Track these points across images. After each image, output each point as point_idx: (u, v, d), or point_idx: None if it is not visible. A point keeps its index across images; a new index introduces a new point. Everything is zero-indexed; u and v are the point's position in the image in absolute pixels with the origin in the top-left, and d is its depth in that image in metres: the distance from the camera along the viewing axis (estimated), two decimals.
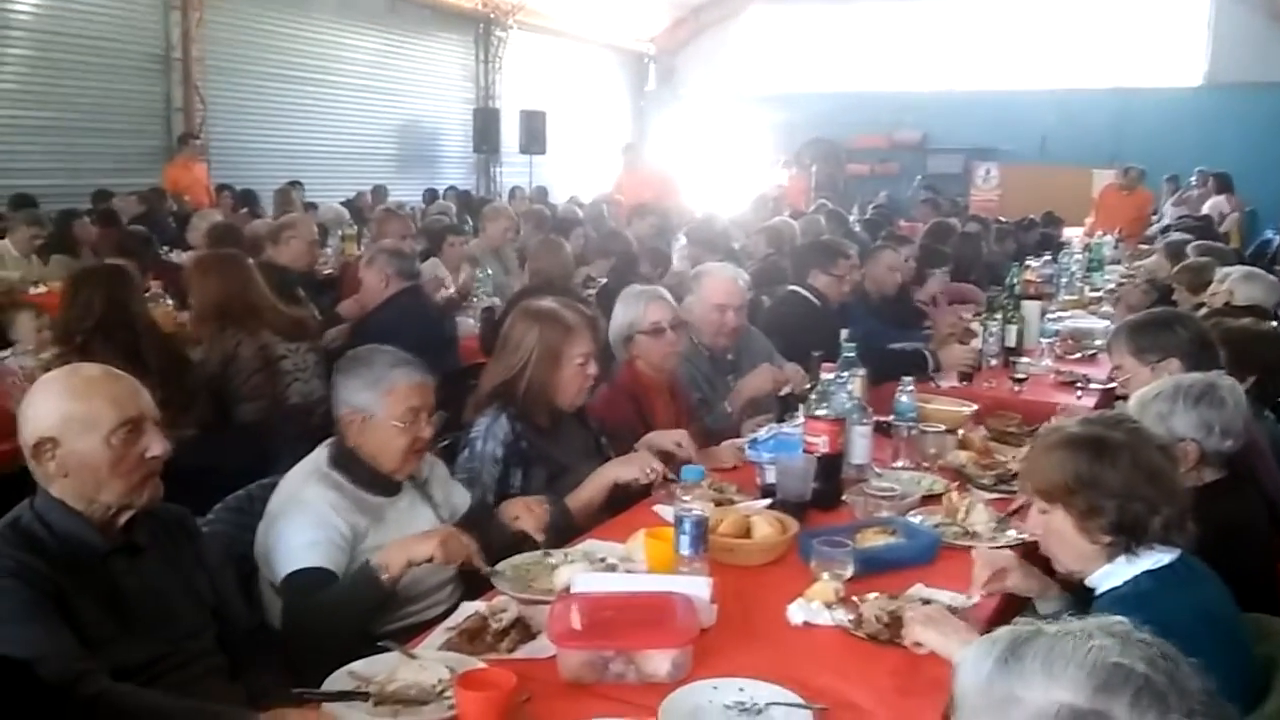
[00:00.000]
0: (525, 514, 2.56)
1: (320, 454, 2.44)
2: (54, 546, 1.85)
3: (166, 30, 11.02)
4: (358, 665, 1.88)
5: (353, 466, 2.40)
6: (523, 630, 2.03)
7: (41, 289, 5.97)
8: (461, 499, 2.66)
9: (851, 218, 10.33)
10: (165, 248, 6.88)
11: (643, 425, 3.18)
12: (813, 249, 5.12)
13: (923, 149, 17.18)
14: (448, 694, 1.78)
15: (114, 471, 1.87)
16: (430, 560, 2.15)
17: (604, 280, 6.02)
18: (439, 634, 2.05)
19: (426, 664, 1.86)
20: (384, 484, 2.42)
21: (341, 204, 9.99)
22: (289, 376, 3.74)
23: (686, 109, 18.83)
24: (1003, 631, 1.09)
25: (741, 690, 1.81)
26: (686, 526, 2.19)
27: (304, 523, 2.28)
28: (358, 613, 2.15)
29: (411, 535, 2.23)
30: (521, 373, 2.91)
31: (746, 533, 2.47)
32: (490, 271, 6.06)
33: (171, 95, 11.03)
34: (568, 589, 2.13)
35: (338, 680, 1.84)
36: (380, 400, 2.37)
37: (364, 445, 2.40)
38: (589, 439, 3.10)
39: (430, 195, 11.80)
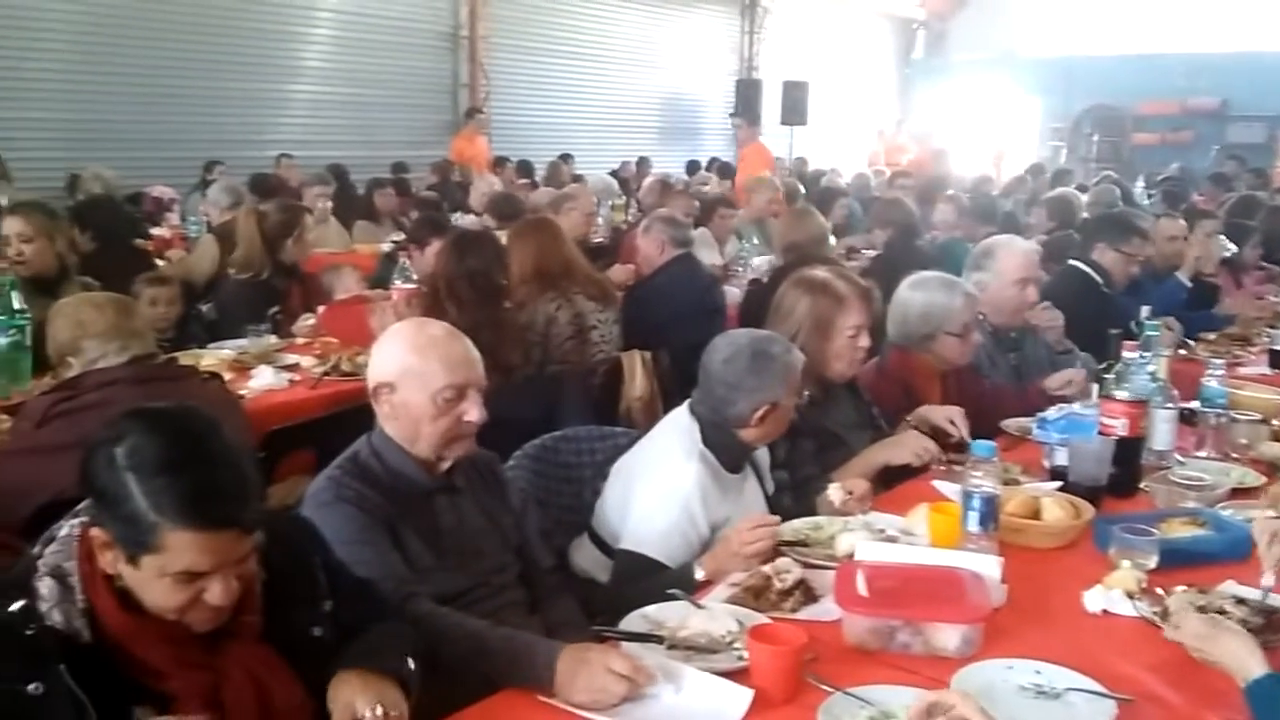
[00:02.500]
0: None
1: (691, 429, 2.46)
2: (386, 481, 2.04)
3: (455, 9, 11.73)
4: (650, 610, 1.97)
5: (721, 445, 2.44)
6: (806, 592, 2.06)
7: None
8: (769, 482, 2.70)
9: (1137, 190, 9.62)
10: (456, 213, 7.35)
11: (909, 411, 3.11)
12: (1104, 221, 4.80)
13: (1221, 116, 15.68)
14: (737, 645, 1.83)
15: (433, 426, 2.04)
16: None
17: (872, 251, 5.93)
18: (723, 588, 2.12)
19: (716, 615, 1.92)
20: (738, 462, 2.49)
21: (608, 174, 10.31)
22: (595, 347, 3.90)
23: (956, 76, 18.07)
24: None
25: (1038, 673, 1.76)
26: (976, 503, 2.14)
27: (671, 508, 2.32)
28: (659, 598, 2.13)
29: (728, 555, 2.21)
30: (792, 341, 2.92)
31: (1034, 514, 2.39)
32: (756, 242, 6.09)
33: (459, 72, 11.77)
34: (851, 556, 2.14)
35: (632, 622, 1.94)
36: (786, 387, 2.45)
37: (761, 431, 2.46)
38: (862, 410, 3.07)
39: (693, 166, 11.96)
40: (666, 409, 3.34)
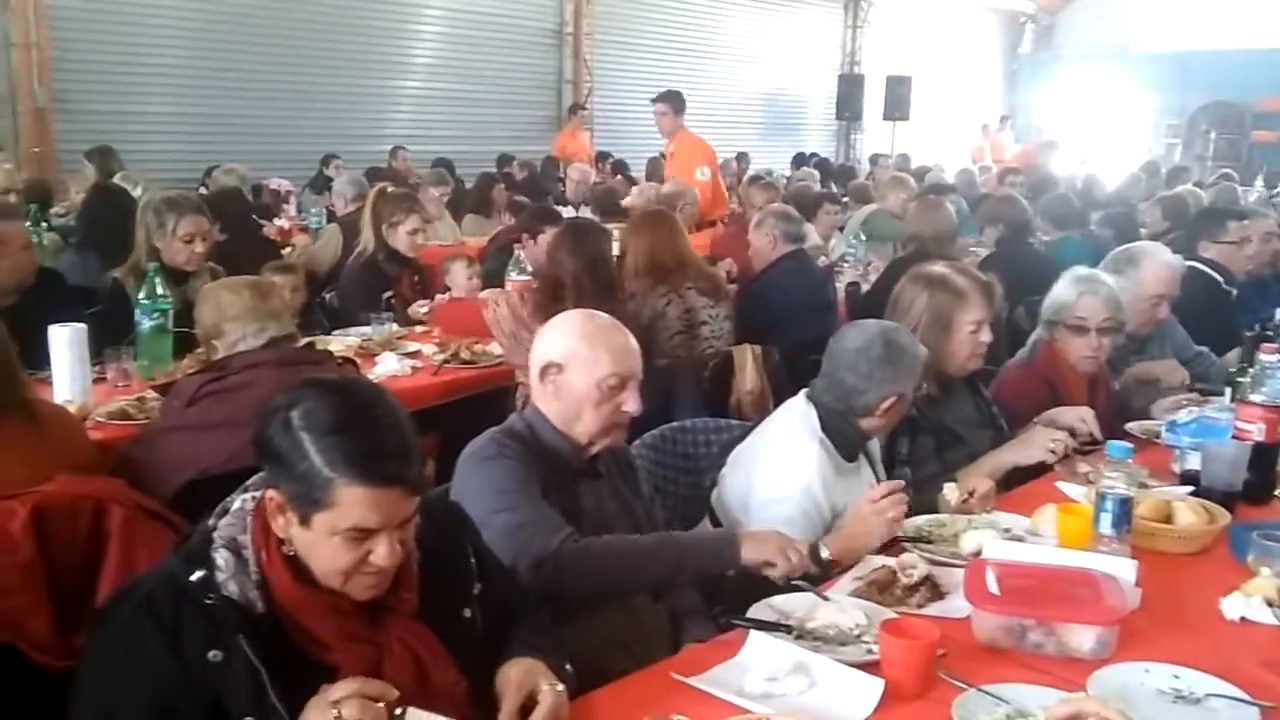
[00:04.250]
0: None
1: (809, 415, 2.49)
2: (538, 455, 2.12)
3: (561, 6, 11.87)
4: (777, 599, 1.99)
5: (838, 432, 2.46)
6: (932, 588, 2.06)
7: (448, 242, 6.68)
8: (882, 471, 2.70)
9: (1257, 188, 9.25)
10: (569, 207, 7.47)
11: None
12: (1196, 219, 4.64)
13: None
14: (865, 638, 1.84)
15: (593, 411, 2.11)
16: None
17: (982, 250, 5.82)
18: (847, 581, 2.13)
19: (844, 607, 1.94)
20: (854, 451, 2.51)
21: None
22: (705, 342, 3.92)
23: (1064, 71, 17.59)
24: None
25: (1176, 677, 1.73)
26: (1109, 505, 2.11)
27: (793, 492, 2.35)
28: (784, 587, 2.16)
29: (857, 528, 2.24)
30: None
31: (1165, 518, 2.34)
32: (863, 237, 6.03)
33: (563, 68, 11.91)
34: (977, 554, 2.13)
35: (758, 611, 1.96)
36: (913, 382, 2.49)
37: (887, 421, 2.49)
38: (981, 408, 3.04)
39: (799, 161, 11.88)
40: (777, 404, 3.36)
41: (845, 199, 7.84)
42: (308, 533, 1.45)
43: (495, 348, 3.78)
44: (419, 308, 4.47)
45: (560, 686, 1.55)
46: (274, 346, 2.64)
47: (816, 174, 9.94)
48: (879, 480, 2.60)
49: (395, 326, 4.16)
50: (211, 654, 1.40)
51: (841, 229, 6.77)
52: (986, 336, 2.88)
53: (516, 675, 1.56)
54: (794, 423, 2.51)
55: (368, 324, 4.13)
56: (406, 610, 1.56)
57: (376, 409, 1.49)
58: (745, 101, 14.28)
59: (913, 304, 2.91)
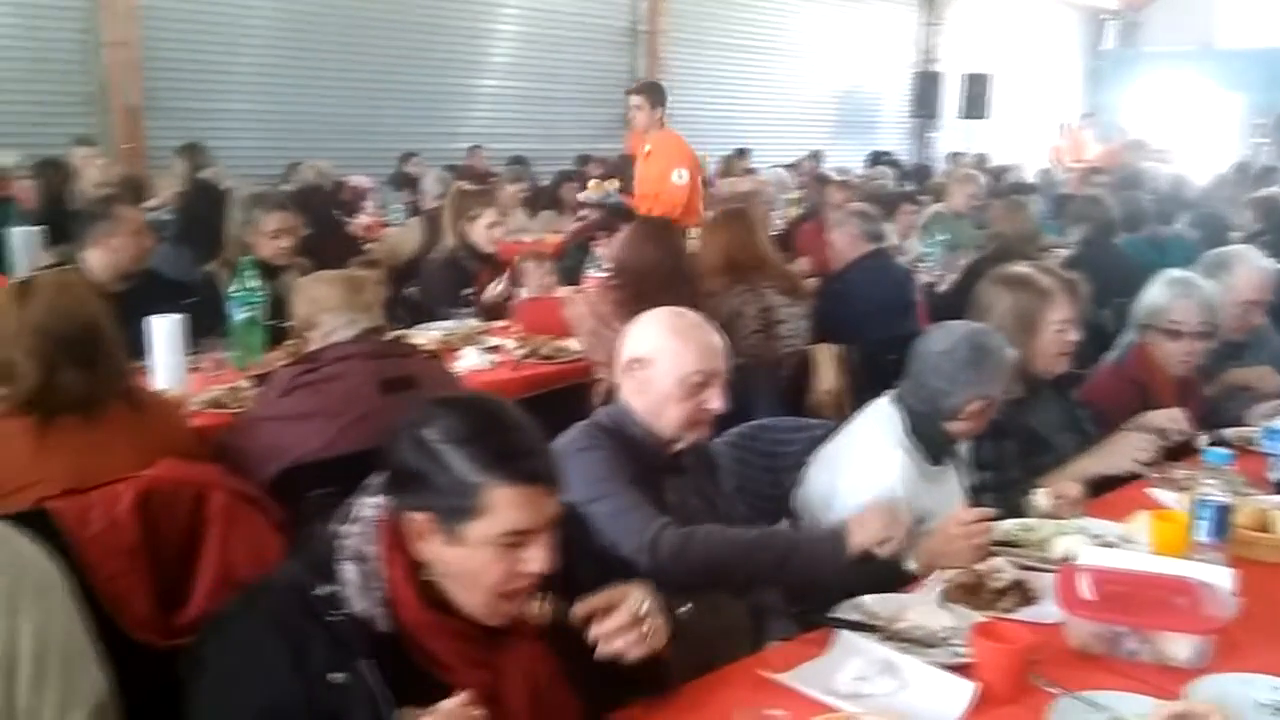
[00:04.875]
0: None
1: (895, 418, 2.47)
2: (625, 448, 2.14)
3: (635, 4, 11.90)
4: (863, 600, 1.99)
5: (925, 435, 2.45)
6: (1021, 593, 2.04)
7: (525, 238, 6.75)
8: (967, 474, 2.66)
9: None
10: None
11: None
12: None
13: None
14: (954, 641, 1.83)
15: (677, 408, 2.13)
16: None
17: (1064, 250, 5.72)
18: (933, 584, 2.11)
19: (934, 609, 1.93)
20: (941, 454, 2.49)
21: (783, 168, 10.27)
22: (783, 341, 3.91)
23: (1148, 69, 17.14)
24: None
25: (1276, 689, 1.70)
26: (1207, 512, 2.07)
27: (878, 497, 2.32)
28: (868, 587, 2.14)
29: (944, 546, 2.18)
30: None
31: (1262, 527, 2.28)
32: (948, 236, 5.95)
33: (636, 66, 11.92)
34: (1068, 559, 2.11)
35: (844, 610, 1.96)
36: (1001, 385, 2.46)
37: (974, 425, 2.47)
38: (1067, 411, 2.99)
39: (874, 160, 11.75)
40: (855, 404, 3.34)
41: (923, 198, 7.74)
42: (459, 549, 1.43)
43: (574, 344, 3.82)
44: (494, 286, 4.51)
45: (645, 606, 1.55)
46: (365, 339, 2.70)
47: (891, 172, 9.82)
48: (966, 484, 2.57)
49: (476, 322, 4.22)
50: (333, 676, 1.39)
51: (926, 229, 6.65)
52: (1074, 335, 2.83)
53: (621, 589, 1.56)
54: (879, 426, 2.50)
55: (449, 319, 4.19)
56: (528, 631, 1.53)
57: (506, 414, 1.49)
58: (818, 99, 14.17)
59: (994, 305, 2.87)
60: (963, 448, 2.64)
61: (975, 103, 14.24)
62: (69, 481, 2.12)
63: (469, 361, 3.64)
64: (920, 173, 10.79)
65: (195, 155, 7.37)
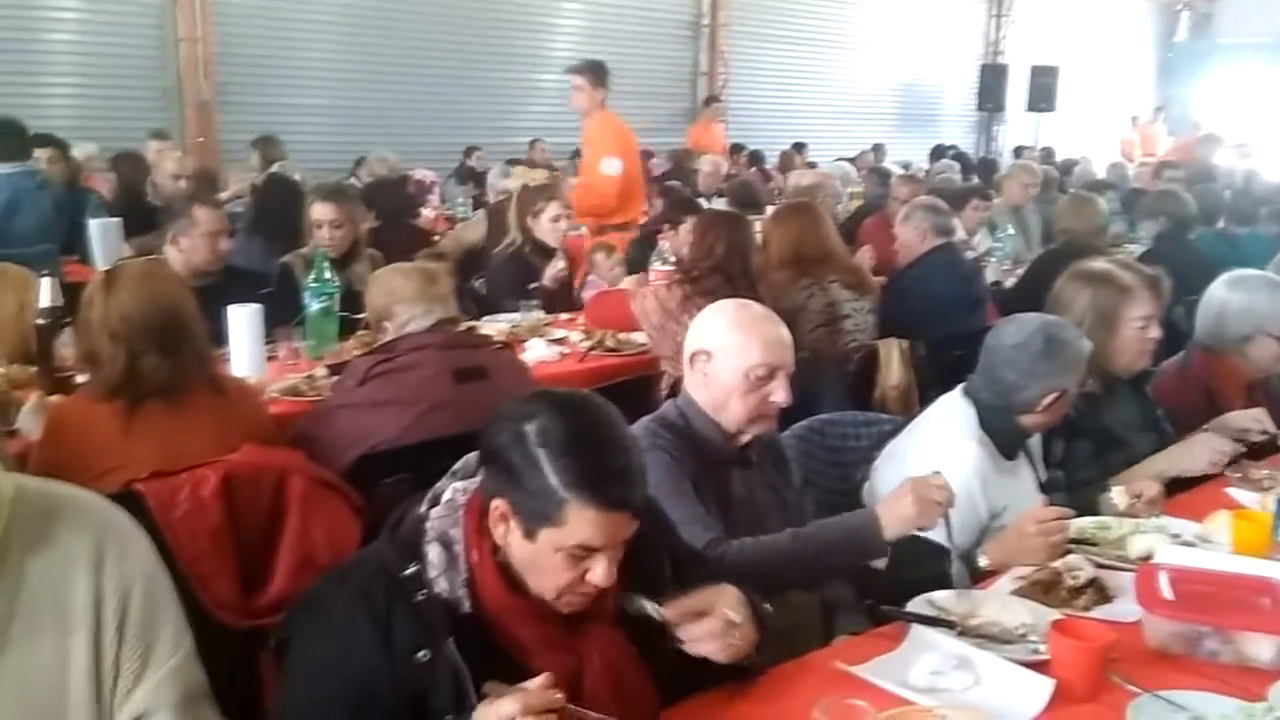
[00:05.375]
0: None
1: (968, 412, 2.46)
2: (690, 443, 2.14)
3: None
4: (936, 595, 1.97)
5: (998, 430, 2.43)
6: (1099, 591, 2.01)
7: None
8: (1041, 470, 2.63)
9: None
10: (700, 198, 7.48)
11: (1211, 417, 2.94)
12: None
13: None
14: (1031, 637, 1.82)
15: (741, 401, 2.12)
16: None
17: (1136, 246, 5.61)
18: (1007, 581, 2.09)
19: (1009, 605, 1.91)
20: (1014, 448, 2.47)
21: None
22: (848, 336, 3.89)
23: (1223, 61, 16.69)
24: None
25: None
26: None
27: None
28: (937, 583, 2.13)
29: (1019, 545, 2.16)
30: None
31: None
32: (1011, 231, 5.87)
33: (698, 60, 11.92)
34: (1146, 558, 2.08)
35: (917, 605, 1.95)
36: (1077, 375, 2.44)
37: (1050, 418, 2.45)
38: (1146, 411, 2.94)
39: (937, 154, 11.62)
40: (923, 400, 3.32)
41: (991, 194, 7.63)
42: (530, 545, 1.46)
43: (639, 336, 3.83)
44: (554, 265, 4.56)
45: (736, 618, 1.56)
46: (439, 329, 2.74)
47: (957, 166, 9.70)
48: (1040, 479, 2.55)
49: (541, 314, 4.25)
50: (419, 654, 1.43)
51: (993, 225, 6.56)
52: (1155, 333, 2.78)
53: (711, 596, 1.58)
54: (951, 420, 2.48)
55: (514, 311, 4.23)
56: (606, 616, 1.56)
57: (609, 430, 1.49)
58: (880, 92, 14.04)
59: (1074, 302, 2.83)
60: (1037, 442, 2.61)
61: (1043, 95, 13.99)
62: (155, 464, 2.18)
63: (535, 353, 3.68)
64: (986, 167, 10.63)
65: (269, 147, 7.52)
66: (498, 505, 1.48)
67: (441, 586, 1.47)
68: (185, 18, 8.76)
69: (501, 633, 1.49)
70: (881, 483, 2.52)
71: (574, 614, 1.53)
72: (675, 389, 3.06)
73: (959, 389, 2.54)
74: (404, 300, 2.79)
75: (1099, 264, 2.95)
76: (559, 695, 1.36)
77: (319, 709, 1.46)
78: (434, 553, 1.49)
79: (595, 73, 5.83)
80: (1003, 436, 2.44)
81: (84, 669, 1.30)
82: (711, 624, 1.55)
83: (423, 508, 1.55)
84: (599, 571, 1.46)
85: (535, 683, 1.37)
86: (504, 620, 1.49)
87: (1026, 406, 2.41)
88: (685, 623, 1.55)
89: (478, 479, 1.55)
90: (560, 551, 1.45)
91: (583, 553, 1.45)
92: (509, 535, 1.48)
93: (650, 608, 1.55)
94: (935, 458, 2.39)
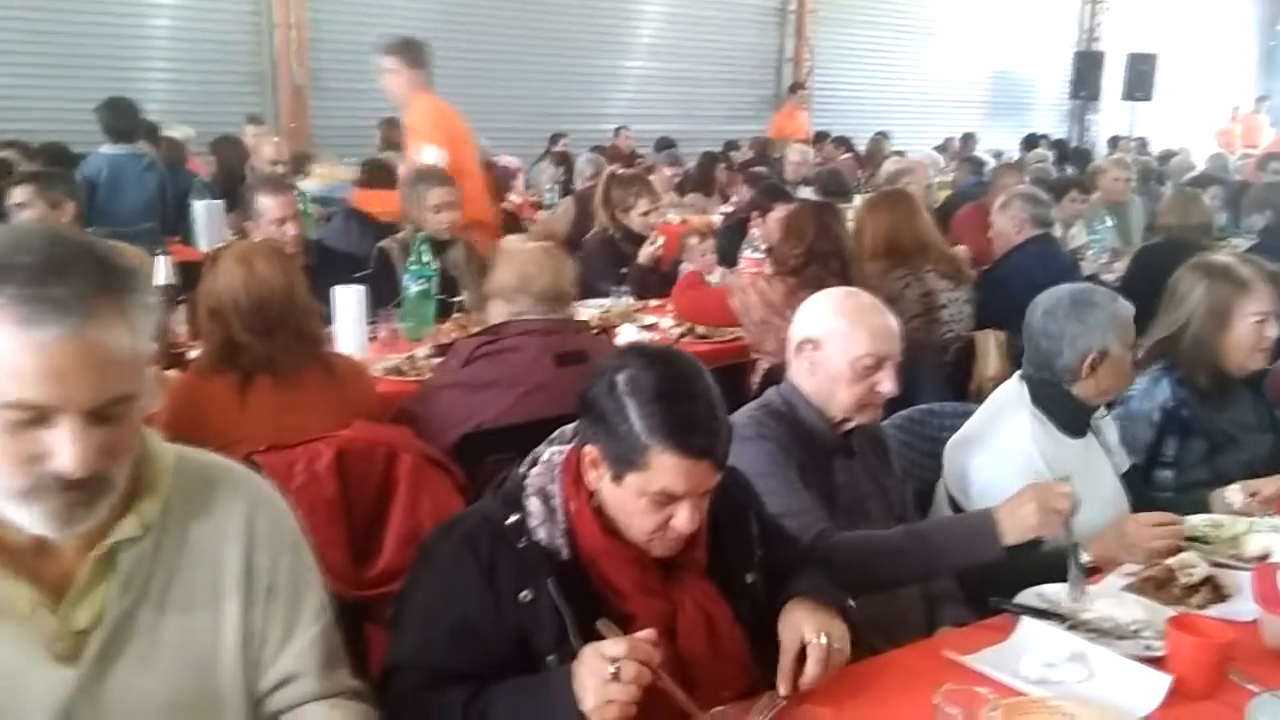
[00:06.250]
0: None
1: (1019, 390, 2.45)
2: (795, 431, 2.14)
3: None
4: (1046, 588, 1.95)
5: (1053, 404, 2.41)
6: (1214, 589, 1.97)
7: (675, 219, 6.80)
8: (1121, 458, 2.60)
9: None
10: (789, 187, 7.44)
11: None
12: None
13: None
14: (1145, 634, 1.79)
15: (848, 390, 2.12)
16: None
17: (1240, 240, 5.44)
18: (1117, 577, 2.06)
19: (1123, 601, 1.88)
20: (1078, 424, 2.43)
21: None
22: (944, 326, 3.85)
23: None
24: None
25: None
26: None
27: (1007, 467, 2.30)
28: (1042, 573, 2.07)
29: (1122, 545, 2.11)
30: (1183, 330, 2.76)
31: None
32: (1110, 223, 5.73)
33: (784, 46, 11.83)
34: (1264, 557, 2.03)
35: (1027, 598, 1.93)
36: (1118, 335, 2.38)
37: (1099, 384, 2.40)
38: (1261, 411, 2.85)
39: (1029, 143, 11.36)
40: None
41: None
42: (618, 489, 1.53)
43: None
44: (650, 245, 4.59)
45: (824, 639, 1.56)
46: (544, 314, 2.76)
47: (1051, 156, 9.48)
48: (1110, 456, 2.49)
49: (632, 300, 4.28)
50: (522, 594, 1.51)
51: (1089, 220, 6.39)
52: (1273, 331, 2.69)
53: (790, 621, 1.59)
54: (1004, 401, 2.47)
55: (605, 296, 4.26)
56: (697, 569, 1.62)
57: (695, 383, 1.54)
58: (969, 80, 13.78)
59: (1189, 294, 2.76)
60: (1110, 428, 2.56)
61: (1140, 84, 13.58)
62: (270, 438, 2.25)
63: (627, 338, 3.69)
64: (1080, 157, 10.37)
65: (392, 130, 7.63)
66: (589, 451, 1.55)
67: (541, 535, 1.55)
68: (280, 4, 8.97)
69: (598, 576, 1.56)
70: (949, 471, 2.49)
71: (669, 562, 1.59)
72: (769, 379, 3.07)
73: (1015, 374, 2.52)
74: (529, 293, 2.74)
75: (1219, 257, 2.89)
76: (657, 654, 1.42)
77: (428, 643, 1.53)
78: (534, 505, 1.57)
79: (410, 52, 5.05)
80: (1059, 411, 2.40)
81: (235, 633, 1.35)
82: (814, 657, 1.55)
83: (522, 468, 1.63)
84: (682, 517, 1.51)
85: (642, 635, 1.43)
86: (601, 564, 1.56)
87: (1070, 373, 2.38)
88: (794, 675, 1.55)
89: (573, 445, 1.62)
90: (644, 496, 1.50)
91: (665, 498, 1.50)
92: (600, 480, 1.55)
93: (781, 693, 1.55)
94: (993, 435, 2.39)
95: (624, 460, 1.51)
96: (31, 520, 1.18)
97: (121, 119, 5.46)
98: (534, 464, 1.64)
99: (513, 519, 1.56)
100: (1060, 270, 4.25)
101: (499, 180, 7.93)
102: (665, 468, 1.49)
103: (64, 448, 1.14)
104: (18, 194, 3.38)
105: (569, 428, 1.66)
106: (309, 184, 6.31)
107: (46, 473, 1.15)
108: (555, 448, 1.65)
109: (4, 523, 1.20)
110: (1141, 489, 2.56)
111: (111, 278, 1.17)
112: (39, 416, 1.13)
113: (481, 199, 4.90)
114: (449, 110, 5.08)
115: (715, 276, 4.40)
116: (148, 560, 1.29)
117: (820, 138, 10.95)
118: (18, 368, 1.11)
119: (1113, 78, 13.76)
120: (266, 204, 3.79)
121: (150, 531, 1.29)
